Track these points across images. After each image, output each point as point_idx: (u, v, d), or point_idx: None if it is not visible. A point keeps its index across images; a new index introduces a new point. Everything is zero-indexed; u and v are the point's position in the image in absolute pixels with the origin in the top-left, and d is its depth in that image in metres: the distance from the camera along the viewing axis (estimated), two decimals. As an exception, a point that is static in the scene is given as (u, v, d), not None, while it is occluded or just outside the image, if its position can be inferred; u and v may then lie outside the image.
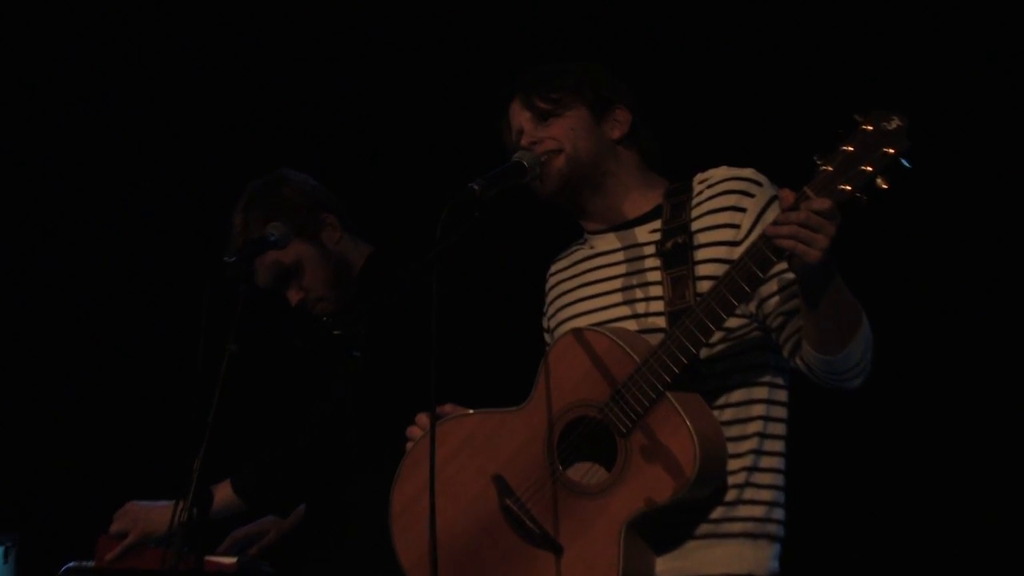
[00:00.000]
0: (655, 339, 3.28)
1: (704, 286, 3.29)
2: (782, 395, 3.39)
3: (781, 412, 3.39)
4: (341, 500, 4.16)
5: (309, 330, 4.34)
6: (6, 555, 4.57)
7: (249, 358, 3.70)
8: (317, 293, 4.27)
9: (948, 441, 4.76)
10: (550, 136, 3.50)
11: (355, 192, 4.51)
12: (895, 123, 2.95)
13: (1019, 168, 4.73)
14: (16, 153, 5.91)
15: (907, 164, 2.96)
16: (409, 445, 3.51)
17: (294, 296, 4.28)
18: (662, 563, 3.30)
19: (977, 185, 4.73)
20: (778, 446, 3.37)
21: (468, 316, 4.09)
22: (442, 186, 3.34)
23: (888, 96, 3.10)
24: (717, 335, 3.23)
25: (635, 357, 3.23)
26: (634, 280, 3.43)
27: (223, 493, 4.13)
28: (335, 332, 4.26)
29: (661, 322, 3.33)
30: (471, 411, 3.47)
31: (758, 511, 3.33)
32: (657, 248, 3.41)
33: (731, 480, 3.30)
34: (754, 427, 3.33)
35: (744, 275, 3.12)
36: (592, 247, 3.55)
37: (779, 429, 3.38)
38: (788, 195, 3.04)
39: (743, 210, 3.35)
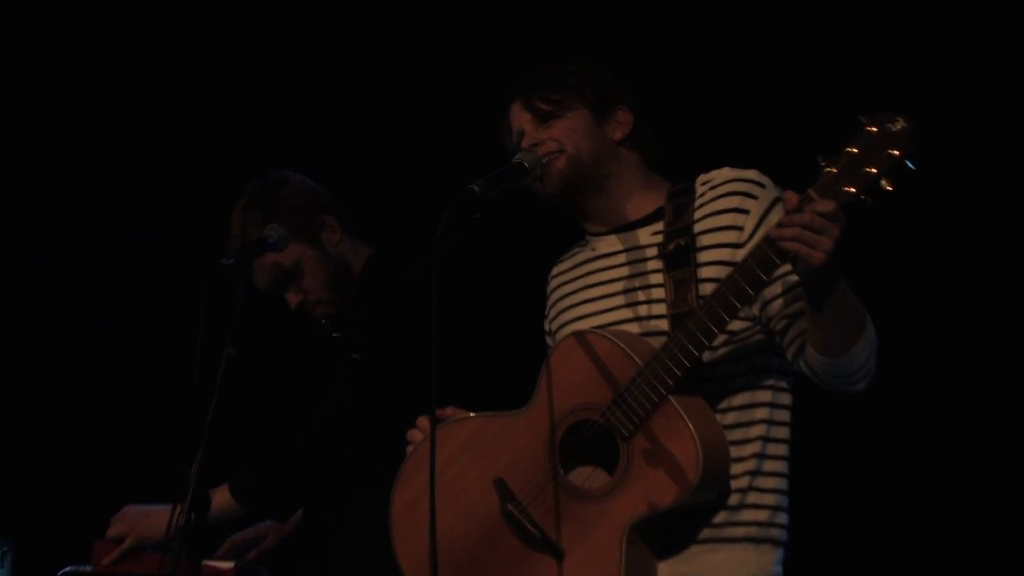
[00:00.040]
0: (657, 342, 3.27)
1: (707, 288, 3.28)
2: (786, 398, 3.39)
3: (785, 416, 3.38)
4: (340, 504, 4.16)
5: (308, 333, 4.34)
6: (2, 559, 4.56)
7: (247, 361, 3.70)
8: (316, 295, 4.26)
9: (952, 445, 4.76)
10: (551, 138, 3.50)
11: (354, 193, 4.51)
12: (900, 125, 2.95)
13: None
14: (14, 154, 5.91)
15: (912, 166, 2.95)
16: (410, 448, 3.51)
17: (293, 298, 4.27)
18: (664, 568, 3.30)
19: (982, 187, 4.73)
20: (782, 450, 3.37)
21: (469, 319, 4.08)
22: (442, 187, 3.33)
23: (893, 97, 3.10)
24: (720, 338, 3.23)
25: (637, 360, 3.23)
26: (636, 282, 3.42)
27: (221, 497, 4.12)
28: (334, 335, 4.26)
29: (663, 325, 3.33)
30: (472, 414, 3.47)
31: (761, 515, 3.33)
32: (659, 250, 3.41)
33: (734, 484, 3.30)
34: (757, 431, 3.33)
35: (747, 278, 3.12)
36: (594, 249, 3.55)
37: (783, 433, 3.38)
38: (792, 197, 3.03)
39: (746, 212, 3.35)
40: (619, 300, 3.44)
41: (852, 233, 3.01)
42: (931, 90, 4.65)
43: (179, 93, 5.79)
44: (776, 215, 3.28)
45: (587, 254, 3.57)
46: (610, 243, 3.51)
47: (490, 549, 3.36)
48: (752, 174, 3.41)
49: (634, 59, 4.59)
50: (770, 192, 3.37)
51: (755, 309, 3.32)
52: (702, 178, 3.48)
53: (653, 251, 3.43)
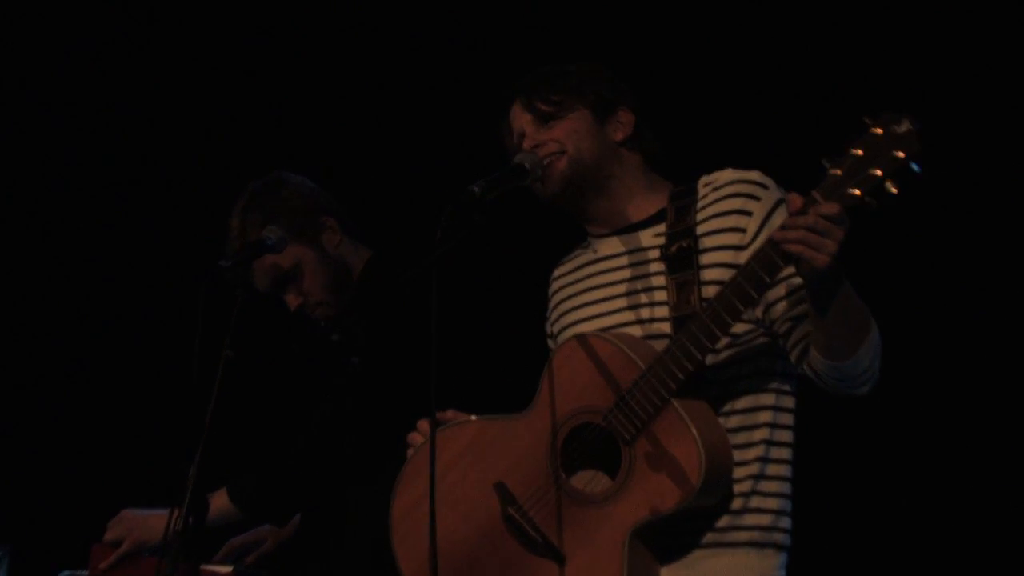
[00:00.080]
0: (660, 345, 3.27)
1: (710, 291, 3.28)
2: (789, 402, 3.39)
3: (788, 419, 3.39)
4: (339, 508, 4.16)
5: (307, 335, 4.34)
6: (0, 563, 4.56)
7: (246, 364, 3.70)
8: (316, 298, 4.26)
9: (957, 448, 4.76)
10: (552, 139, 3.50)
11: (354, 195, 4.50)
12: (905, 126, 2.94)
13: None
14: (12, 155, 5.90)
15: (917, 168, 2.95)
16: (410, 452, 3.50)
17: (293, 300, 4.27)
18: (667, 573, 3.30)
19: (987, 190, 4.73)
20: (785, 453, 3.37)
21: (469, 321, 4.08)
22: (442, 189, 3.33)
23: (899, 99, 3.10)
24: (723, 341, 3.23)
25: (640, 363, 3.23)
26: (638, 285, 3.42)
27: (219, 501, 4.12)
28: (333, 338, 4.25)
29: (666, 328, 3.33)
30: (473, 417, 3.47)
31: (764, 520, 3.33)
32: (662, 252, 3.40)
33: (737, 488, 3.30)
34: (760, 434, 3.33)
35: (751, 280, 3.11)
36: (595, 251, 3.55)
37: (786, 436, 3.38)
38: (796, 199, 3.03)
39: (749, 214, 3.35)
40: (621, 302, 3.44)
41: (856, 235, 3.01)
42: (936, 91, 4.64)
43: (179, 93, 5.79)
44: (779, 217, 3.29)
45: (589, 256, 3.56)
46: (612, 245, 3.51)
47: (491, 553, 3.36)
48: (755, 175, 3.41)
49: (635, 59, 4.59)
50: (773, 193, 3.37)
51: (758, 312, 3.32)
52: (704, 179, 3.47)
53: (655, 253, 3.43)
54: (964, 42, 4.73)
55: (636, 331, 3.38)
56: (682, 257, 3.37)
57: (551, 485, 3.31)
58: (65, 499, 5.66)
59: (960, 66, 4.71)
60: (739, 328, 3.28)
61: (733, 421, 3.32)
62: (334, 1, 5.65)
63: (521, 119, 3.55)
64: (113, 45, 5.82)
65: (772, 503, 3.34)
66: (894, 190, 2.96)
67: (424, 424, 3.48)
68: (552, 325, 3.62)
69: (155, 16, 5.78)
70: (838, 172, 2.99)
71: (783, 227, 3.04)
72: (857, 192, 2.97)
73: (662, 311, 3.36)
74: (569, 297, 3.56)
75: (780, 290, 3.27)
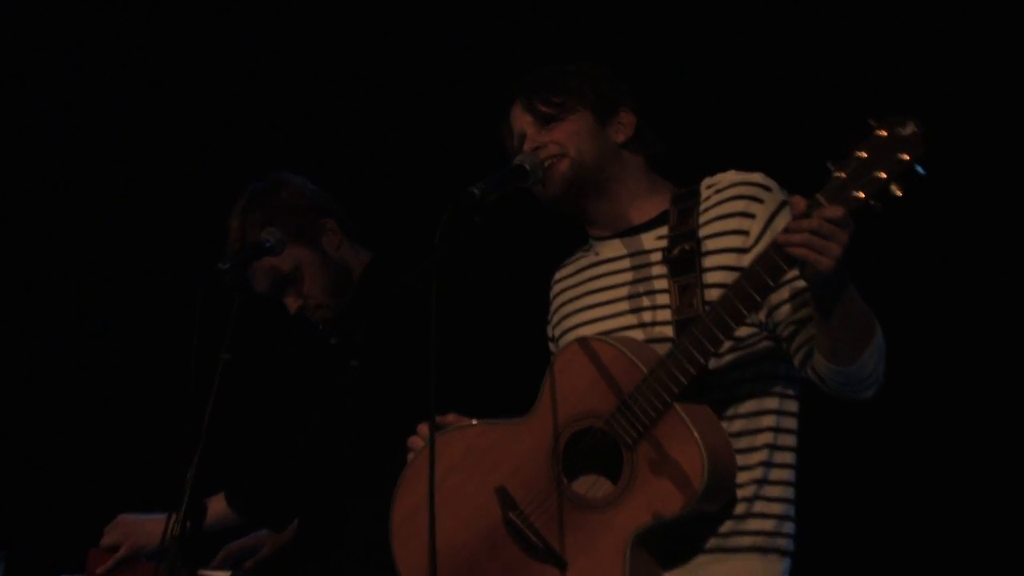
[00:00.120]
0: (662, 348, 3.27)
1: (712, 294, 3.28)
2: (793, 406, 3.39)
3: (792, 423, 3.38)
4: (338, 513, 4.16)
5: (306, 338, 4.33)
6: (-4, 568, 4.57)
7: (244, 367, 3.69)
8: (316, 300, 4.25)
9: (962, 452, 4.76)
10: (553, 141, 3.49)
11: (354, 196, 4.50)
12: (910, 129, 2.94)
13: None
14: (8, 156, 5.90)
15: (922, 171, 2.95)
16: (410, 456, 3.50)
17: (293, 303, 4.26)
18: (670, 578, 3.31)
19: (993, 193, 4.72)
20: (788, 458, 3.37)
21: (469, 324, 4.07)
22: (443, 190, 3.33)
23: (903, 101, 3.10)
24: (726, 344, 3.23)
25: (642, 367, 3.23)
26: (640, 288, 3.42)
27: (217, 506, 4.12)
28: (332, 341, 4.24)
29: (668, 331, 3.33)
30: (474, 421, 3.47)
31: (768, 525, 3.33)
32: (664, 255, 3.40)
33: (740, 493, 3.30)
34: (764, 438, 3.33)
35: (754, 284, 3.11)
36: (597, 253, 3.55)
37: (790, 440, 3.38)
38: (800, 202, 3.02)
39: (752, 216, 3.35)
40: (623, 306, 3.43)
41: (861, 238, 3.00)
42: (941, 93, 4.64)
43: (178, 94, 5.79)
44: (782, 219, 3.28)
45: (590, 259, 3.56)
46: (614, 247, 3.51)
47: (491, 558, 3.36)
48: (757, 177, 3.41)
49: (636, 59, 4.59)
50: (776, 196, 3.37)
51: (762, 315, 3.32)
52: (707, 181, 3.47)
53: (657, 256, 3.42)
54: (968, 44, 4.72)
55: (638, 334, 3.38)
56: (684, 260, 3.36)
57: (552, 490, 3.30)
58: (62, 503, 5.66)
59: (965, 68, 4.71)
60: (742, 331, 3.28)
61: (736, 425, 3.32)
62: (334, 1, 5.64)
63: (521, 121, 3.55)
64: (113, 45, 5.82)
65: (776, 508, 3.34)
66: (899, 193, 2.96)
67: (424, 428, 3.48)
68: (553, 328, 3.62)
69: (155, 16, 5.77)
70: (842, 175, 2.99)
71: (787, 230, 3.04)
72: (861, 195, 2.97)
73: (664, 314, 3.36)
74: (570, 300, 3.55)
75: (783, 293, 3.27)
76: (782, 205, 3.34)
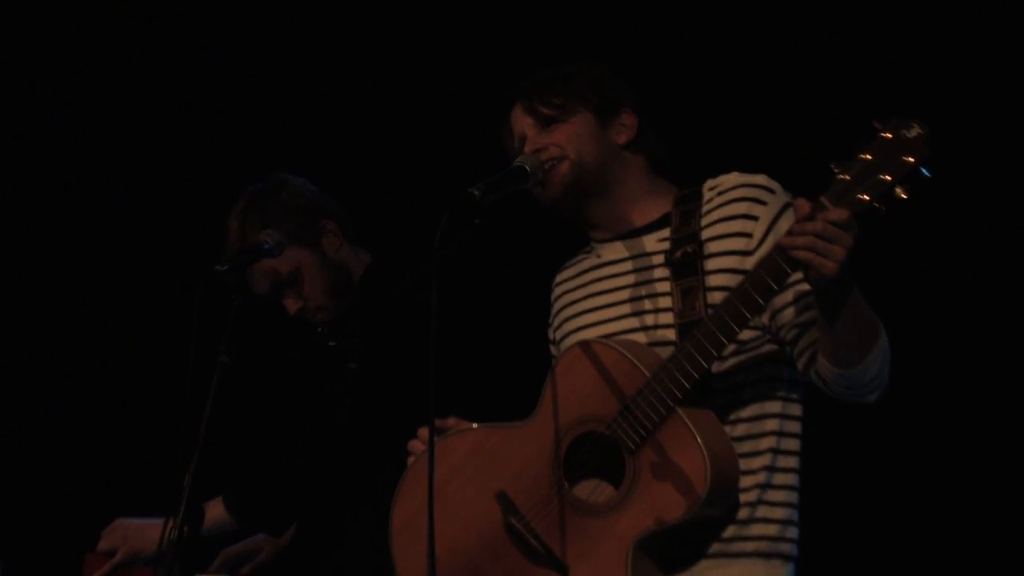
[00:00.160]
0: (664, 352, 3.27)
1: (715, 297, 3.28)
2: (796, 409, 3.39)
3: (795, 427, 3.38)
4: (337, 518, 4.15)
5: (304, 341, 4.33)
6: (-9, 573, 4.57)
7: (242, 370, 3.69)
8: (316, 302, 4.24)
9: (967, 457, 4.76)
10: (554, 143, 3.49)
11: (354, 198, 4.50)
12: (915, 131, 2.93)
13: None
14: (6, 157, 5.89)
15: (927, 174, 2.94)
16: (410, 460, 3.50)
17: (292, 304, 4.25)
18: (672, 584, 3.31)
19: (998, 195, 4.72)
20: (792, 462, 3.37)
21: (470, 326, 4.07)
22: (443, 192, 3.33)
23: (909, 103, 3.10)
24: (729, 348, 3.22)
25: (644, 371, 3.23)
26: (643, 291, 3.42)
27: (215, 510, 4.13)
28: (330, 343, 4.24)
29: (671, 334, 3.33)
30: (474, 425, 3.47)
31: (771, 529, 3.33)
32: (666, 258, 3.40)
33: (743, 498, 3.30)
34: (767, 443, 3.33)
35: (758, 287, 3.11)
36: (599, 256, 3.54)
37: (793, 444, 3.37)
38: (804, 205, 3.02)
39: (755, 218, 3.35)
40: (625, 309, 3.43)
41: (865, 241, 3.00)
42: (947, 95, 4.64)
43: (175, 96, 5.78)
44: (786, 222, 3.28)
45: (592, 261, 3.56)
46: (615, 250, 3.51)
47: (492, 564, 3.36)
48: (761, 179, 3.40)
49: (638, 59, 4.58)
50: (779, 198, 3.37)
51: (765, 318, 3.31)
52: (709, 183, 3.47)
53: (660, 258, 3.42)
54: (975, 46, 4.72)
55: (640, 338, 3.37)
56: (687, 262, 3.36)
57: (554, 495, 3.30)
58: (59, 508, 5.65)
59: (971, 70, 4.71)
60: (745, 335, 3.26)
61: (739, 429, 3.31)
62: (334, 1, 5.64)
63: (522, 122, 3.55)
64: (112, 45, 5.82)
65: (779, 512, 3.34)
66: (904, 196, 2.95)
67: (425, 431, 3.46)
68: (555, 331, 3.61)
69: (155, 16, 5.77)
70: (847, 177, 2.99)
71: (791, 233, 3.03)
72: (866, 198, 2.96)
73: (667, 317, 3.36)
74: (572, 303, 3.55)
75: (787, 296, 3.26)
76: (785, 207, 3.33)
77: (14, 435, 5.80)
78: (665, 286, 3.38)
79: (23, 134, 5.87)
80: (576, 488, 3.30)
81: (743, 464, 3.29)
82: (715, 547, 3.30)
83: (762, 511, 3.32)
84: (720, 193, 3.42)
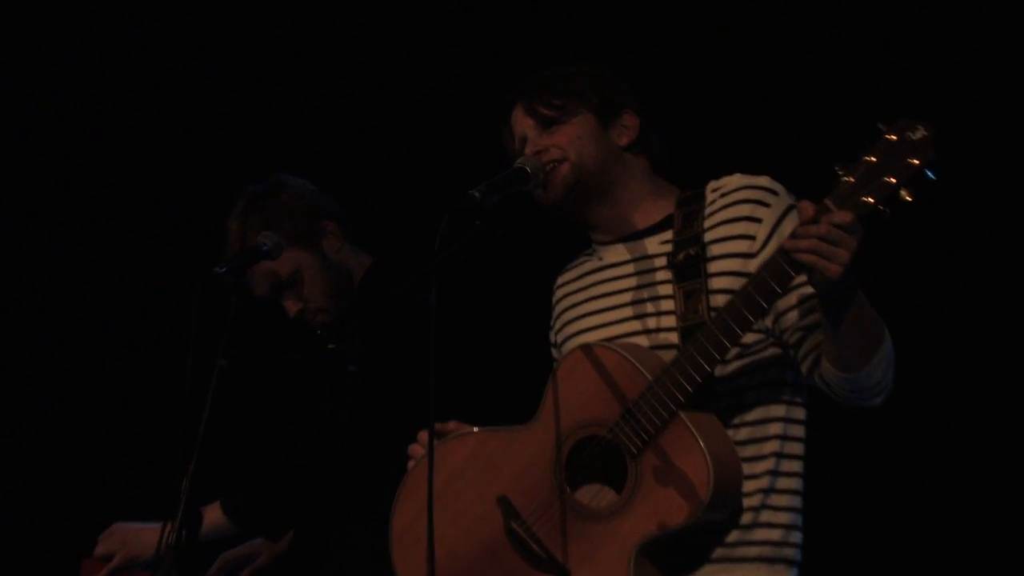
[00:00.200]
0: (667, 355, 3.27)
1: (718, 300, 3.28)
2: (800, 413, 3.38)
3: (799, 431, 3.38)
4: (336, 522, 4.15)
5: (305, 343, 4.32)
6: (-13, 579, 4.57)
7: (240, 373, 3.69)
8: (316, 304, 4.24)
9: (973, 461, 4.75)
10: (555, 144, 3.48)
11: (355, 199, 4.49)
12: (921, 133, 2.93)
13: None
14: (5, 158, 5.89)
15: (932, 176, 2.94)
16: (411, 464, 3.50)
17: (292, 306, 4.24)
18: (675, 589, 3.30)
19: (1004, 197, 4.71)
20: (796, 466, 3.36)
21: (470, 329, 4.07)
22: (443, 193, 3.32)
23: (914, 104, 3.09)
24: (732, 351, 3.22)
25: (647, 375, 3.23)
26: (645, 294, 3.41)
27: (213, 515, 4.12)
28: (329, 346, 4.23)
29: (673, 338, 3.32)
30: (475, 429, 3.46)
31: (775, 534, 3.32)
32: (668, 260, 3.40)
33: (747, 502, 3.29)
34: (771, 447, 3.32)
35: (761, 290, 3.11)
36: (600, 258, 3.54)
37: (797, 449, 3.37)
38: (808, 207, 3.02)
39: (758, 220, 3.34)
40: (627, 312, 3.43)
41: (870, 243, 3.00)
42: (953, 96, 4.63)
43: (178, 95, 5.78)
44: (789, 223, 3.27)
45: (593, 263, 3.55)
46: (617, 252, 3.50)
47: (493, 569, 3.36)
48: (764, 180, 3.40)
49: (639, 60, 4.58)
50: (783, 199, 3.36)
51: (768, 321, 3.31)
52: (712, 185, 3.47)
53: (662, 261, 3.42)
54: (981, 47, 4.71)
55: (643, 341, 3.37)
56: (689, 265, 3.36)
57: (555, 499, 3.30)
58: (55, 512, 5.65)
59: (977, 71, 4.70)
60: (749, 338, 3.27)
61: (743, 433, 3.31)
62: (335, 2, 5.64)
63: (522, 124, 3.54)
64: (112, 45, 5.82)
65: (783, 517, 3.33)
66: (909, 198, 2.95)
67: (424, 435, 3.47)
68: (556, 334, 3.61)
69: (154, 16, 5.77)
70: (851, 179, 2.98)
71: (794, 236, 3.03)
72: (871, 200, 2.96)
73: (669, 320, 3.35)
74: (573, 306, 3.54)
75: (791, 299, 3.26)
76: (789, 209, 3.33)
77: (11, 439, 5.80)
78: (667, 289, 3.38)
79: (23, 134, 5.87)
80: (578, 492, 3.29)
81: (746, 468, 3.29)
82: (718, 552, 3.29)
83: (766, 516, 3.31)
84: (723, 195, 3.41)
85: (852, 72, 4.79)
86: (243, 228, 4.19)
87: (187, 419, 3.59)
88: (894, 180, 2.94)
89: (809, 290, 3.19)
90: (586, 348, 3.33)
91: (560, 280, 3.64)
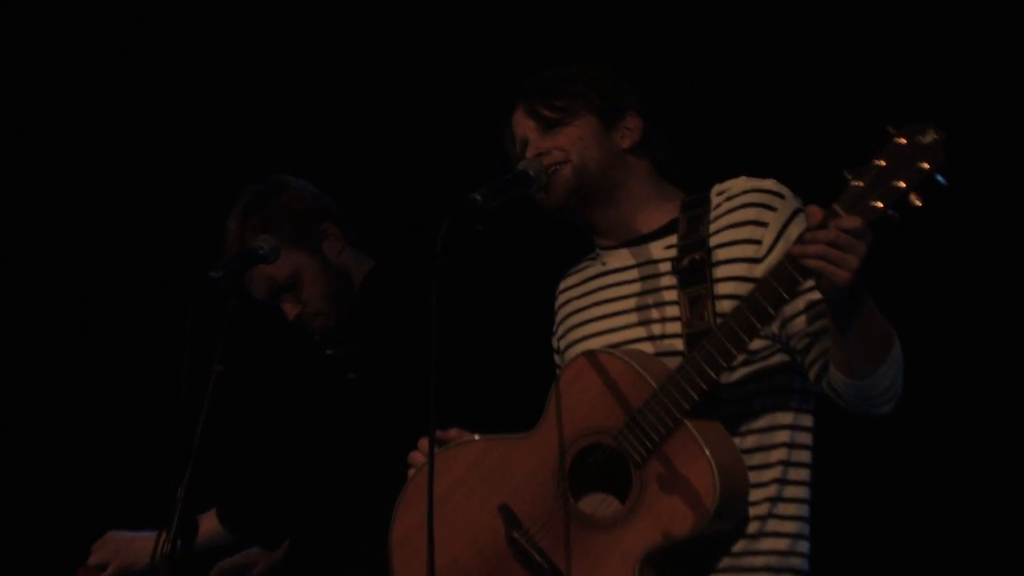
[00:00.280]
0: (672, 362, 3.26)
1: (724, 305, 3.28)
2: (807, 420, 3.38)
3: (806, 438, 3.37)
4: (334, 531, 4.14)
5: (303, 348, 4.31)
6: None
7: (237, 379, 3.68)
8: (315, 307, 4.22)
9: (983, 469, 4.75)
10: (556, 147, 3.48)
11: (356, 201, 4.49)
12: (931, 136, 2.93)
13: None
14: (4, 158, 5.89)
15: (943, 180, 2.94)
16: (411, 472, 3.49)
17: (291, 309, 4.23)
18: (679, 600, 3.30)
19: (1014, 202, 4.71)
20: (803, 475, 3.36)
21: (472, 335, 4.06)
22: (445, 196, 3.32)
23: (924, 107, 3.09)
24: (739, 358, 3.21)
25: (651, 382, 3.22)
26: (649, 299, 3.41)
27: (209, 523, 4.12)
28: (328, 352, 4.22)
29: (679, 344, 3.32)
30: (477, 437, 3.46)
31: (782, 544, 3.32)
32: (673, 265, 3.39)
33: (753, 511, 3.29)
34: (778, 455, 3.32)
35: (769, 296, 3.10)
36: (604, 263, 3.53)
37: (804, 456, 3.37)
38: (816, 212, 3.01)
39: (764, 224, 3.34)
40: (631, 318, 3.42)
41: (879, 249, 2.99)
42: (963, 100, 4.63)
43: (178, 95, 5.78)
44: (796, 228, 3.27)
45: (597, 268, 3.55)
46: (621, 257, 3.50)
47: (494, 579, 3.35)
48: (770, 184, 3.40)
49: (642, 61, 4.58)
50: (789, 203, 3.36)
51: (775, 327, 3.30)
52: (717, 188, 3.46)
53: (666, 266, 3.41)
54: (991, 51, 4.71)
55: (647, 348, 3.37)
56: (695, 270, 3.35)
57: (558, 508, 3.30)
58: (49, 521, 5.64)
59: (987, 75, 4.70)
60: (755, 344, 3.26)
61: (749, 441, 3.31)
62: (335, 3, 5.64)
63: (524, 126, 3.54)
64: (112, 45, 5.81)
65: (790, 526, 3.33)
66: (918, 203, 2.95)
67: (425, 443, 3.46)
68: (559, 340, 3.61)
69: (155, 16, 5.77)
70: (860, 184, 2.98)
71: (802, 241, 3.02)
72: (880, 205, 2.95)
73: (674, 327, 3.35)
74: (577, 311, 3.54)
75: (798, 304, 3.25)
76: (795, 213, 3.33)
77: (5, 447, 5.79)
78: (672, 294, 3.38)
79: (22, 135, 5.87)
80: (581, 501, 3.29)
81: (753, 477, 3.28)
82: (724, 562, 3.29)
83: (772, 525, 3.31)
84: (728, 198, 3.41)
85: (861, 74, 4.78)
86: (242, 229, 4.18)
87: (182, 426, 3.58)
88: (904, 184, 2.94)
89: (817, 295, 3.18)
90: (590, 355, 3.33)
91: (563, 285, 3.64)
